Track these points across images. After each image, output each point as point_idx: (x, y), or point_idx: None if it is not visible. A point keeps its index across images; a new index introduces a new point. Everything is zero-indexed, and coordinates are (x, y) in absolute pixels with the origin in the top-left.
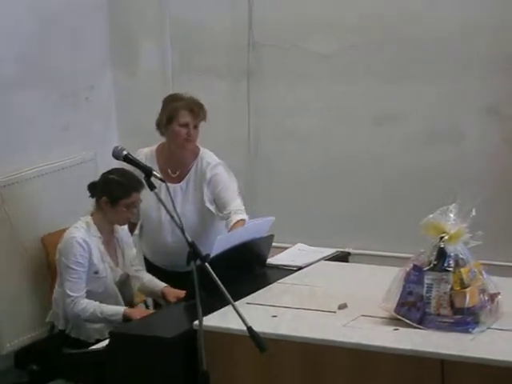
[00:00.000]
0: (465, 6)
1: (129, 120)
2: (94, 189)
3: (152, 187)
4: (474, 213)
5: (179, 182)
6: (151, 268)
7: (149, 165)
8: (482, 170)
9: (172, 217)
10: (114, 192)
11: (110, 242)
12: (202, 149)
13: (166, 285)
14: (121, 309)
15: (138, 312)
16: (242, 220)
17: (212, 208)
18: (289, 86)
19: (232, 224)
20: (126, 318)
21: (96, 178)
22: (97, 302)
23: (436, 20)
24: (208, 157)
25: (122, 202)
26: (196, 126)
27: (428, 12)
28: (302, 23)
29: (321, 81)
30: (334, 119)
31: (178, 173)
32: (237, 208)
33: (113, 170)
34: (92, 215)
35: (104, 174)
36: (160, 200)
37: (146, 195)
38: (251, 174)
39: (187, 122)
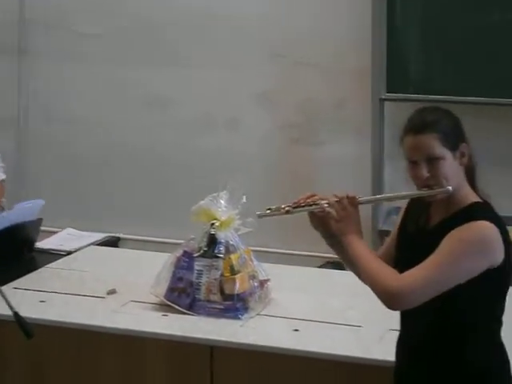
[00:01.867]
0: None
1: None
2: None
3: None
4: (244, 199)
5: None
6: None
7: None
8: (254, 157)
9: None
10: None
11: None
12: None
13: None
14: None
15: None
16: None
17: None
18: (60, 67)
19: None
20: None
21: None
22: None
23: (209, 7)
24: None
25: None
26: None
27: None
28: (74, 3)
29: (93, 62)
30: (106, 102)
31: None
32: None
33: None
34: None
35: None
36: None
37: None
38: (20, 156)
39: None
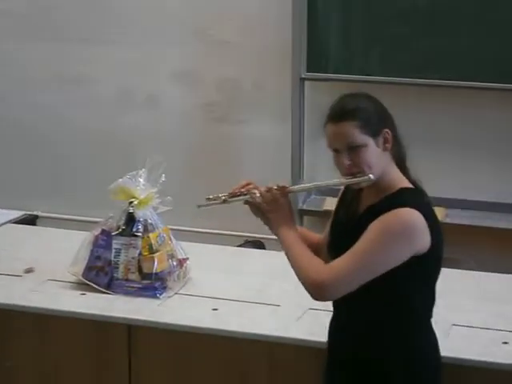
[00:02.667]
0: None
1: None
2: None
3: None
4: (163, 178)
5: None
6: None
7: None
8: (174, 135)
9: None
10: None
11: None
12: None
13: None
14: None
15: None
16: None
17: None
18: None
19: None
20: None
21: None
22: None
23: None
24: None
25: None
26: None
27: None
28: None
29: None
30: (20, 80)
31: None
32: None
33: None
34: None
35: None
36: None
37: None
38: None
39: None
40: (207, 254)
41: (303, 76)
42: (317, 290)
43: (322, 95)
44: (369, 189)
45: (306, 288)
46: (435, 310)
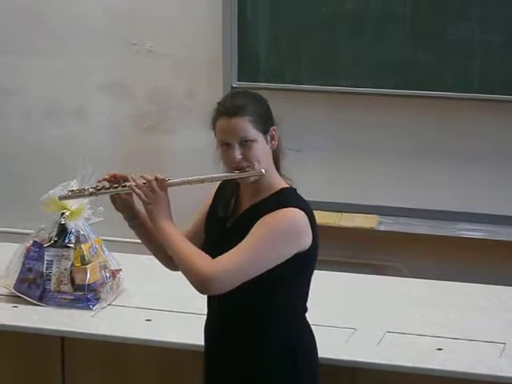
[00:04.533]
0: None
1: None
2: None
3: None
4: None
5: None
6: None
7: None
8: (105, 146)
9: None
10: None
11: None
12: None
13: None
14: None
15: None
16: None
17: None
18: None
19: None
20: None
21: None
22: None
23: None
24: None
25: None
26: None
27: None
28: None
29: None
30: None
31: None
32: None
33: None
34: None
35: None
36: None
37: None
38: None
39: None
40: (140, 264)
41: (234, 85)
42: (202, 284)
43: None
44: (248, 187)
45: (191, 281)
46: (368, 318)
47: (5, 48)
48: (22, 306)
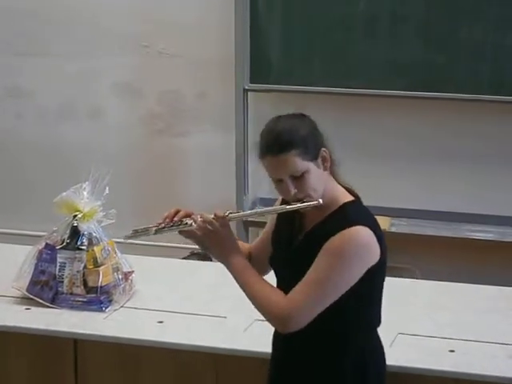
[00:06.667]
0: None
1: None
2: None
3: None
4: (107, 191)
5: None
6: None
7: None
8: (117, 148)
9: None
10: None
11: None
12: None
13: None
14: None
15: None
16: None
17: None
18: None
19: None
20: None
21: None
22: None
23: None
24: None
25: None
26: None
27: None
28: None
29: None
30: None
31: None
32: None
33: None
34: None
35: None
36: None
37: None
38: None
39: None
40: (153, 266)
41: (246, 87)
42: (281, 325)
43: (265, 106)
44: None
45: (270, 322)
46: (381, 319)
47: (19, 50)
48: (34, 308)
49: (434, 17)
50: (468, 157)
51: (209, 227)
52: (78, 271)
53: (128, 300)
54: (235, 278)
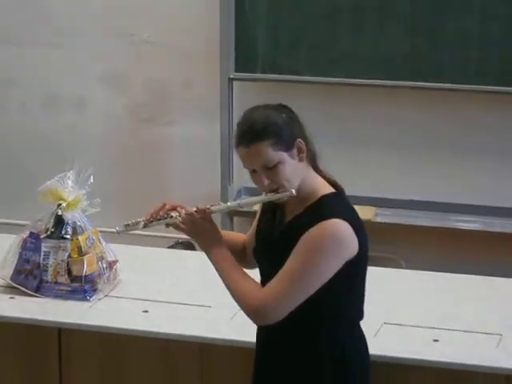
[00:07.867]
0: None
1: None
2: None
3: None
4: (92, 180)
5: None
6: None
7: None
8: (102, 137)
9: None
10: None
11: None
12: None
13: None
14: None
15: None
16: None
17: None
18: None
19: None
20: None
21: None
22: None
23: None
24: None
25: None
26: None
27: None
28: None
29: None
30: None
31: None
32: None
33: None
34: None
35: None
36: None
37: None
38: None
39: None
40: (137, 255)
41: (231, 76)
42: (257, 316)
43: (250, 95)
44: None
45: (246, 313)
46: (365, 310)
47: (2, 39)
48: (18, 297)
49: (420, 6)
50: (454, 146)
51: (191, 220)
52: (62, 260)
53: (112, 289)
54: (215, 268)
